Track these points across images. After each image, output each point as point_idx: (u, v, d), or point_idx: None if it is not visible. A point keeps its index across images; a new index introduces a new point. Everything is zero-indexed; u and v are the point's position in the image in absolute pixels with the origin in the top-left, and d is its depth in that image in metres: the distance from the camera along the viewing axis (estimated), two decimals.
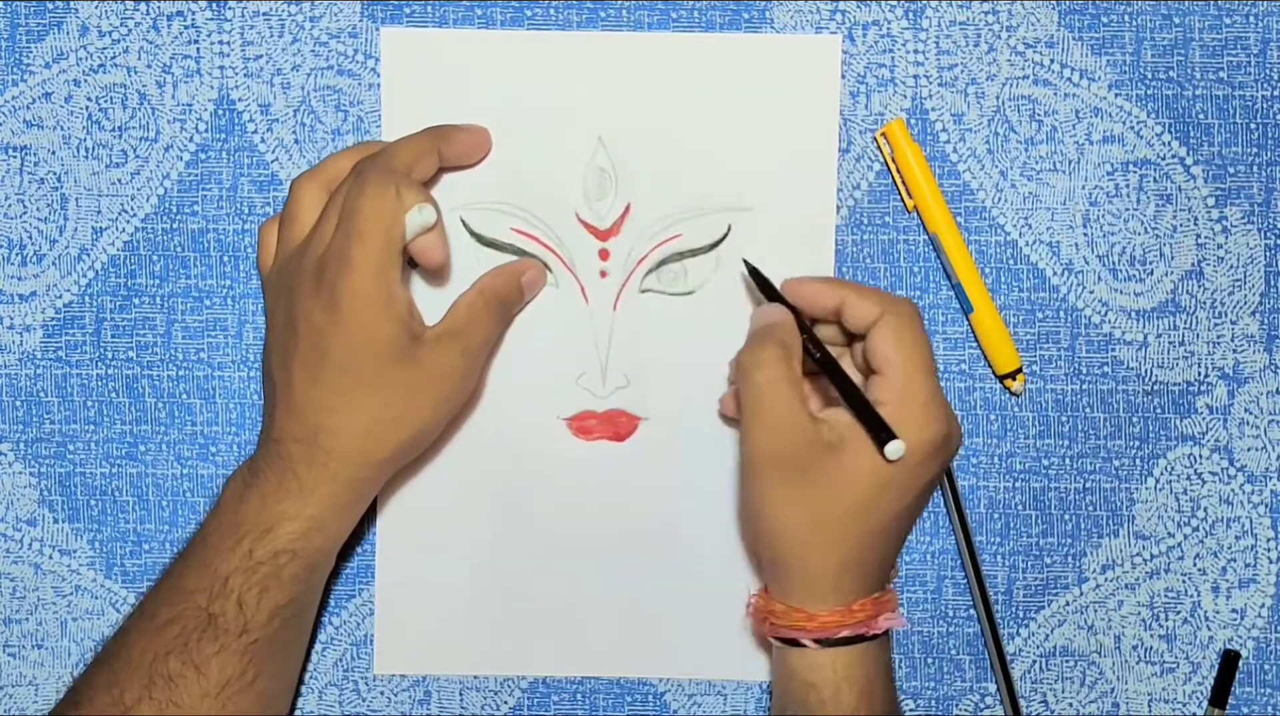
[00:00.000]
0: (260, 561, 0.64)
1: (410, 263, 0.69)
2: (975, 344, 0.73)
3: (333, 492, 0.65)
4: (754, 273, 0.69)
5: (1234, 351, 0.73)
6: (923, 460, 0.63)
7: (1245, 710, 0.73)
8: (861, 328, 0.65)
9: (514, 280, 0.70)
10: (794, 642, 0.65)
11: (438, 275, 0.71)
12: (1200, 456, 0.73)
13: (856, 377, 0.66)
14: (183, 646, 0.63)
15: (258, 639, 0.64)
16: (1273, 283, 0.73)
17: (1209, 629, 0.73)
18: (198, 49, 0.73)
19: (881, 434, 0.62)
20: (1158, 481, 0.73)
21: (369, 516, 0.73)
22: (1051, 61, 0.72)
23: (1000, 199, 0.73)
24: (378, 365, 0.64)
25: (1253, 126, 0.72)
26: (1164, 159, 0.72)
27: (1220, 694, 0.73)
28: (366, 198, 0.64)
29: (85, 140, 0.73)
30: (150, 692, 0.62)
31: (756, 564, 0.72)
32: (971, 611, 0.73)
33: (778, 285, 0.68)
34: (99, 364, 0.73)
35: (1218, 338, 0.73)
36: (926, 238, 0.72)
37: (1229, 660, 0.73)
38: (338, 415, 0.64)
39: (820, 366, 0.65)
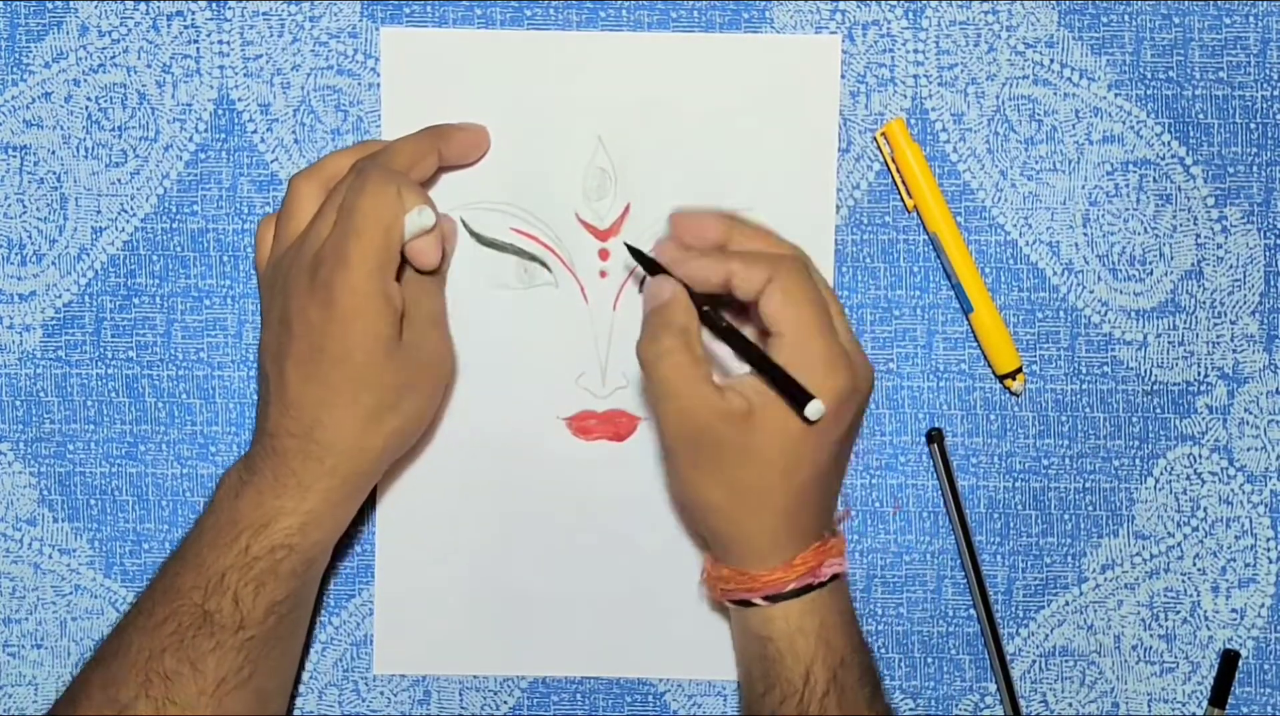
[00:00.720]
0: (257, 557, 0.64)
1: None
2: (975, 344, 0.73)
3: (330, 487, 0.65)
4: (636, 253, 0.68)
5: (1234, 351, 0.73)
6: (835, 412, 0.63)
7: (1245, 710, 0.73)
8: (753, 296, 0.64)
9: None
10: (746, 603, 0.66)
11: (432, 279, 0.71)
12: (1200, 456, 0.73)
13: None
14: (179, 644, 0.63)
15: (254, 635, 0.64)
16: (1273, 283, 0.73)
17: (1209, 629, 0.73)
18: (198, 49, 0.73)
19: (799, 396, 0.62)
20: (1157, 481, 0.73)
21: (369, 516, 0.73)
22: (1051, 61, 0.72)
23: (1000, 199, 0.73)
24: (373, 361, 0.64)
25: (1253, 126, 0.72)
26: (1164, 159, 0.72)
27: (1220, 694, 0.73)
28: (366, 196, 0.64)
29: (85, 140, 0.73)
30: (147, 691, 0.62)
31: (697, 540, 0.72)
32: (971, 611, 0.73)
33: (659, 257, 0.67)
34: (99, 364, 0.73)
35: (1217, 338, 0.73)
36: (926, 238, 0.72)
37: (1229, 660, 0.73)
38: (334, 411, 0.64)
39: (723, 338, 0.65)
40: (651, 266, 0.67)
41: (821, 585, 0.65)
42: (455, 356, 0.70)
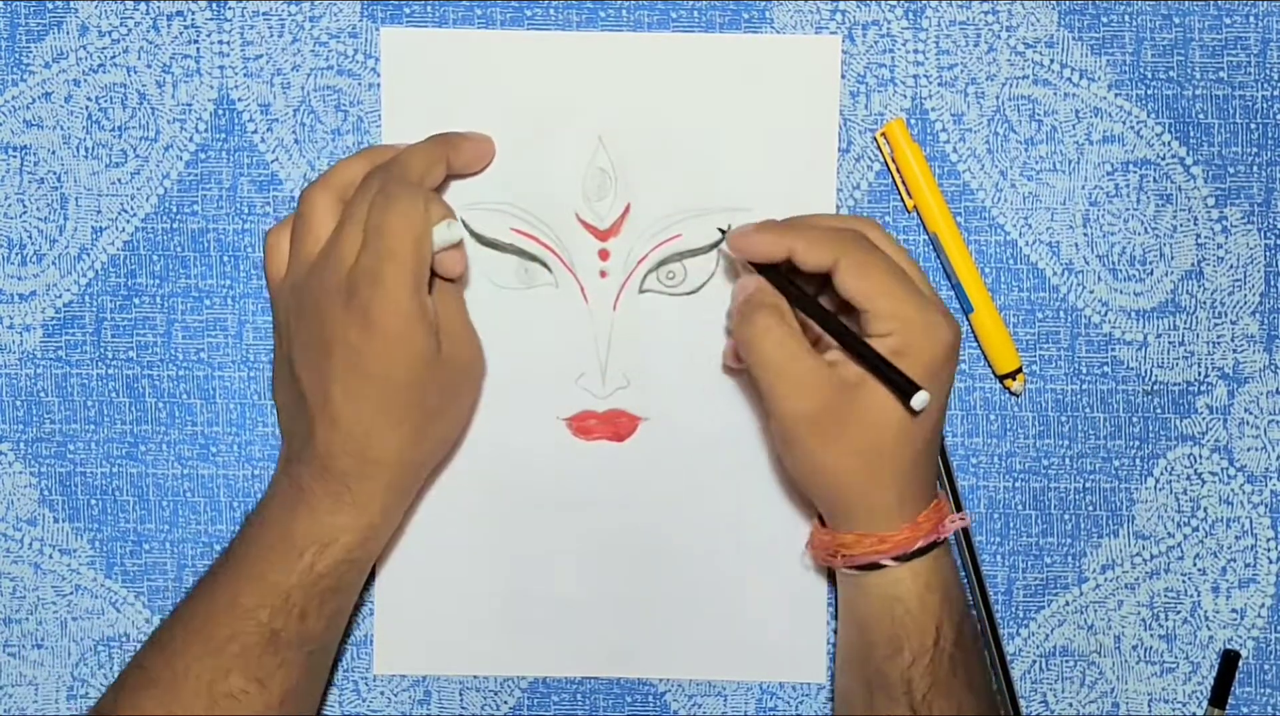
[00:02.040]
0: (322, 574, 0.65)
1: None
2: (975, 344, 0.73)
3: (387, 503, 0.67)
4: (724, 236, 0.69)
5: (1234, 351, 0.73)
6: (941, 369, 0.64)
7: (1245, 710, 0.73)
8: (820, 271, 0.65)
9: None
10: (872, 566, 0.66)
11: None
12: (1200, 456, 0.73)
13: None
14: (244, 664, 0.63)
15: (316, 648, 0.65)
16: (1273, 283, 0.73)
17: (1209, 629, 0.73)
18: (198, 49, 0.73)
19: (905, 386, 0.62)
20: (1158, 481, 0.73)
21: None
22: (1051, 61, 0.72)
23: (1000, 199, 0.73)
24: (416, 378, 0.65)
25: (1253, 126, 0.72)
26: (1164, 159, 0.72)
27: (1220, 694, 0.73)
28: (395, 215, 0.63)
29: (85, 140, 0.73)
30: (212, 712, 0.63)
31: (805, 506, 0.72)
32: (971, 611, 0.73)
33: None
34: (99, 364, 0.73)
35: (1218, 338, 0.73)
36: (926, 238, 0.72)
37: (1229, 660, 0.73)
38: (384, 428, 0.65)
39: (823, 328, 0.65)
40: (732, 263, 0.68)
41: (942, 542, 0.66)
42: (483, 353, 0.70)
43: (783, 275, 0.66)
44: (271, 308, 0.69)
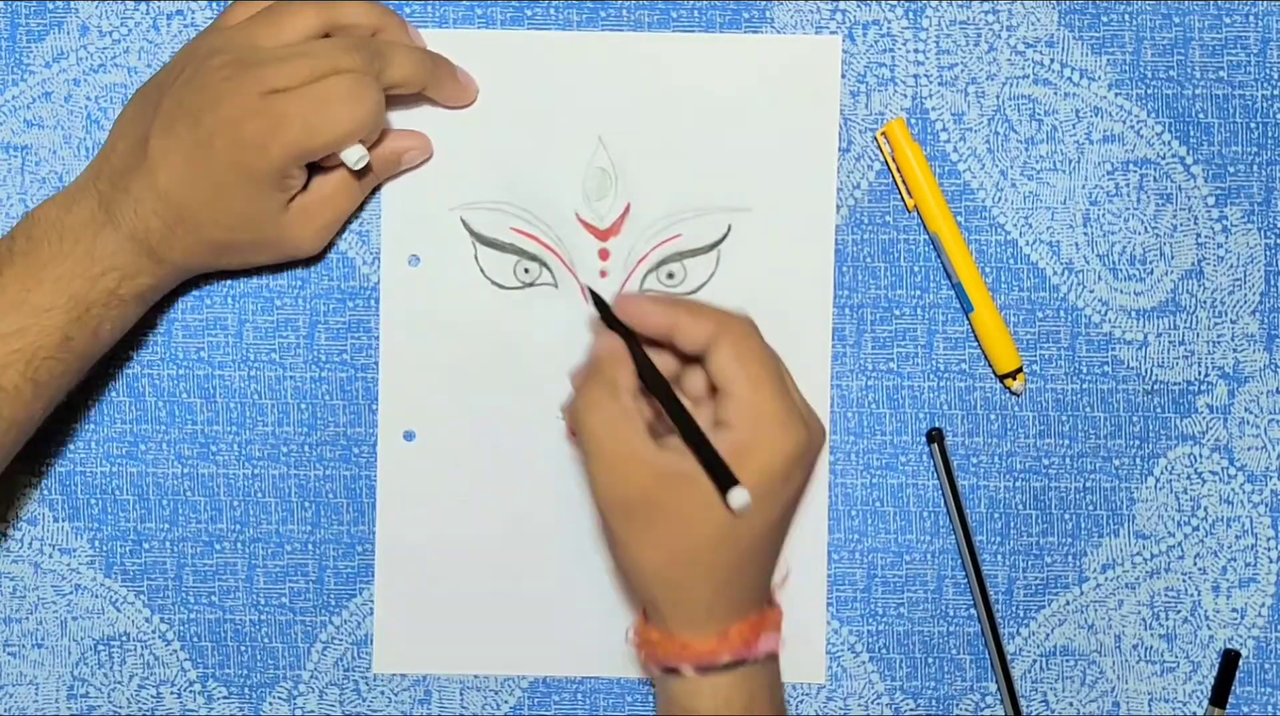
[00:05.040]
0: (123, 298, 0.66)
1: (359, 174, 0.69)
2: (975, 344, 0.73)
3: (188, 265, 0.69)
4: (596, 300, 0.67)
5: (1234, 351, 0.73)
6: (784, 476, 0.61)
7: (1245, 710, 0.73)
8: (696, 350, 0.62)
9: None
10: (674, 671, 0.63)
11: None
12: (1200, 456, 0.73)
13: (692, 408, 0.63)
14: (24, 361, 0.64)
15: (86, 365, 0.67)
16: (1273, 282, 0.73)
17: (1209, 628, 0.73)
18: None
19: (724, 481, 0.59)
20: (1158, 481, 0.73)
21: (369, 516, 0.73)
22: (1051, 61, 0.72)
23: (1000, 199, 0.73)
24: (250, 209, 0.66)
25: (1253, 126, 0.72)
26: (1164, 158, 0.72)
27: (1220, 693, 0.73)
28: (345, 111, 0.65)
29: (85, 140, 0.73)
30: None
31: (630, 596, 0.71)
32: (971, 611, 0.73)
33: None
34: (99, 363, 0.73)
35: (1218, 337, 0.73)
36: (926, 237, 0.72)
37: (1229, 659, 0.73)
38: (206, 210, 0.66)
39: (658, 400, 0.62)
40: (606, 316, 0.65)
41: (754, 661, 0.63)
42: (318, 250, 0.71)
43: (640, 344, 0.64)
44: (192, 44, 0.68)
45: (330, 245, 0.72)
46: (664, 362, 0.64)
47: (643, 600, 0.65)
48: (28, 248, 0.65)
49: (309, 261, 0.72)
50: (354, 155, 0.66)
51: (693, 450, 0.60)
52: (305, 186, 0.68)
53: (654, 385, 0.63)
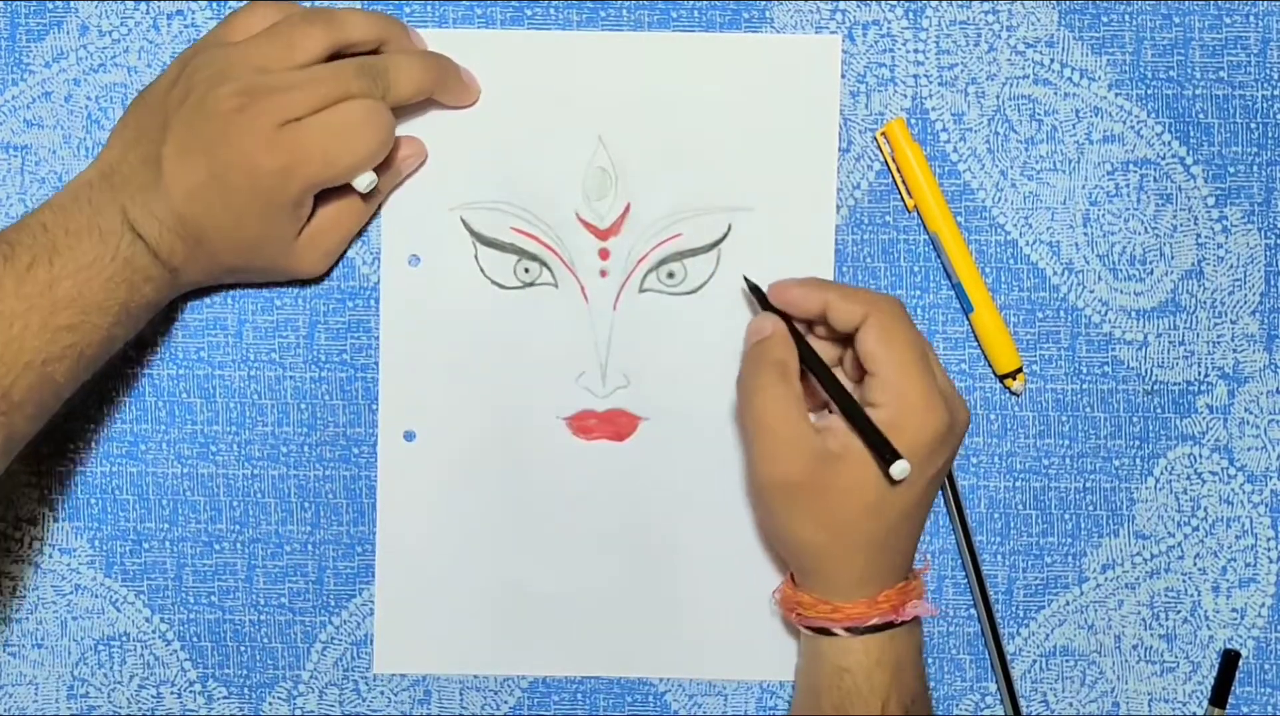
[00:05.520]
0: (134, 311, 0.66)
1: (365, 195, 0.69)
2: (975, 344, 0.73)
3: (201, 275, 0.69)
4: (753, 288, 0.70)
5: (1234, 351, 0.73)
6: (928, 455, 0.64)
7: (1245, 710, 0.73)
8: (847, 329, 0.66)
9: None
10: (824, 631, 0.66)
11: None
12: (1200, 456, 0.73)
13: (850, 386, 0.67)
14: (77, 356, 0.65)
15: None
16: (1273, 282, 0.73)
17: (1209, 628, 0.73)
18: None
19: (886, 454, 0.63)
20: (1158, 481, 0.73)
21: (369, 516, 0.73)
22: (1051, 61, 0.72)
23: (1000, 199, 0.73)
24: (266, 224, 0.67)
25: (1253, 126, 0.72)
26: (1164, 159, 0.72)
27: (1220, 693, 0.73)
28: (360, 140, 0.65)
29: (85, 140, 0.73)
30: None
31: (778, 561, 0.72)
32: (971, 611, 0.73)
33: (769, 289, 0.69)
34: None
35: (1218, 337, 0.73)
36: (926, 237, 0.72)
37: (1229, 660, 0.73)
38: (224, 237, 0.66)
39: (818, 383, 0.66)
40: (760, 299, 0.69)
41: (902, 623, 0.66)
42: (322, 274, 0.72)
43: (796, 327, 0.68)
44: (193, 54, 0.67)
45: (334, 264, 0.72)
46: (820, 349, 0.68)
47: (794, 567, 0.68)
48: (69, 242, 0.65)
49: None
50: (364, 180, 0.67)
51: (853, 426, 0.64)
52: (312, 212, 0.69)
53: (814, 366, 0.66)
